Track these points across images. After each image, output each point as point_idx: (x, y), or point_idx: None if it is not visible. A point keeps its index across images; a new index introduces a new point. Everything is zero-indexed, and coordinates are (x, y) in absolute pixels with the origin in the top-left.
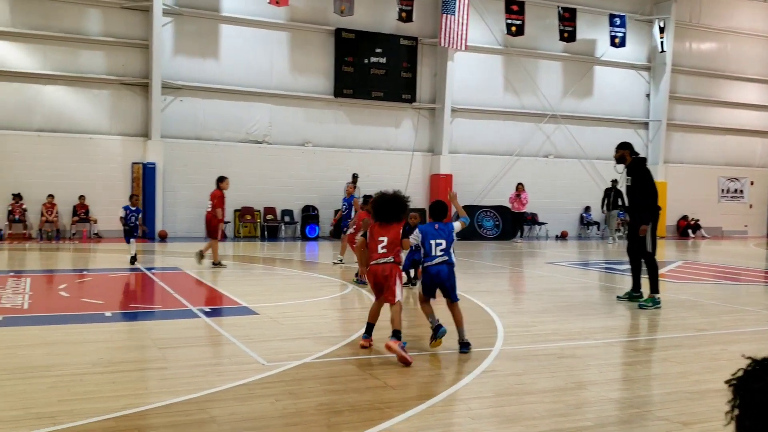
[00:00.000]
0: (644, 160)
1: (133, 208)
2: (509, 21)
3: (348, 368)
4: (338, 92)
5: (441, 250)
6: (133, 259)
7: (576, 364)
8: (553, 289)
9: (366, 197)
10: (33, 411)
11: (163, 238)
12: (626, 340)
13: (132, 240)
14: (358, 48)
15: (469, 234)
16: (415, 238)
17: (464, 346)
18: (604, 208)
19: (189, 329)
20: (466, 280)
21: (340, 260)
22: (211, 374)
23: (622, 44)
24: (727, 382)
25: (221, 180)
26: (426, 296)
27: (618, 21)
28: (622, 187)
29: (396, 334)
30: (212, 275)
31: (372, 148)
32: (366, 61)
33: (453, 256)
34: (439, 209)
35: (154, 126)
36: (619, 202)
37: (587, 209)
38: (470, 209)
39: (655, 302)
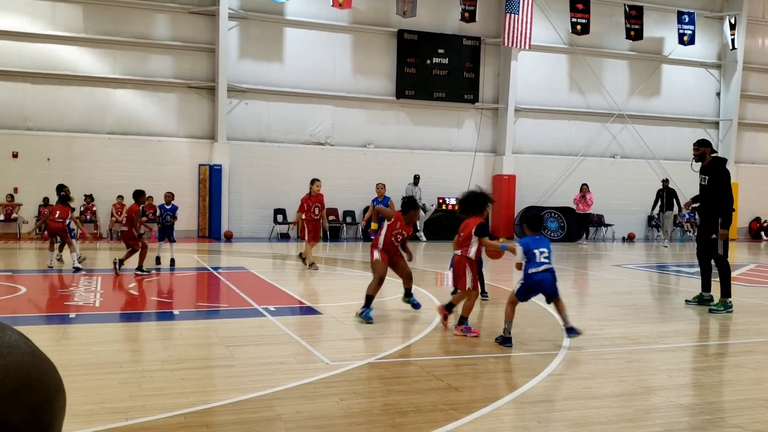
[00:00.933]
0: (724, 160)
1: (168, 207)
2: (574, 19)
3: (412, 369)
4: (400, 93)
5: (545, 258)
6: (158, 260)
7: (644, 368)
8: (620, 292)
9: (409, 199)
10: (106, 406)
11: (229, 238)
12: (696, 344)
13: (166, 240)
14: (420, 49)
15: None
16: (519, 256)
17: (571, 331)
18: (657, 210)
19: (255, 328)
20: None
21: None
22: (277, 372)
23: (691, 42)
24: None
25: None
26: (520, 299)
27: (686, 18)
28: (682, 186)
29: (462, 321)
30: (276, 275)
31: (434, 149)
32: (428, 61)
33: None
34: (536, 221)
35: (220, 128)
36: (674, 203)
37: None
38: (534, 210)
39: (726, 306)
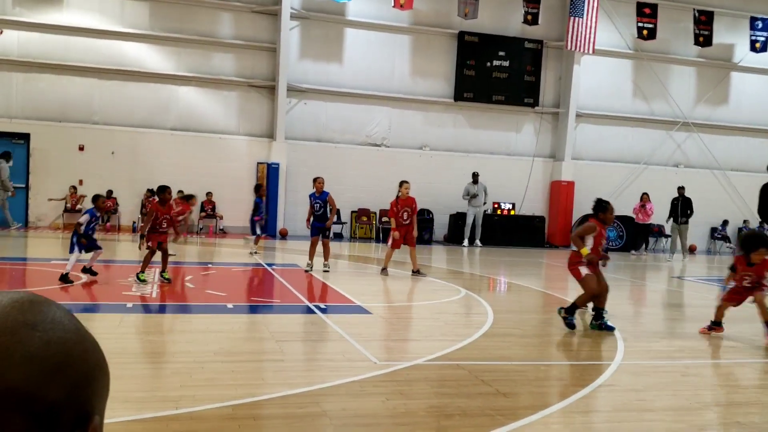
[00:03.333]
0: None
1: (261, 200)
2: (641, 24)
3: (459, 373)
4: (458, 96)
5: None
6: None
7: (701, 383)
8: (678, 304)
9: (597, 202)
10: (157, 394)
11: (284, 236)
12: (758, 361)
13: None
14: (480, 51)
15: None
16: None
17: None
18: (670, 221)
19: (305, 324)
20: None
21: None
22: (324, 369)
23: (764, 49)
24: None
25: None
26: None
27: (760, 24)
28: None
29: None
30: (327, 275)
31: (491, 152)
32: (488, 64)
33: None
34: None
35: (279, 127)
36: (688, 213)
37: (725, 223)
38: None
39: None
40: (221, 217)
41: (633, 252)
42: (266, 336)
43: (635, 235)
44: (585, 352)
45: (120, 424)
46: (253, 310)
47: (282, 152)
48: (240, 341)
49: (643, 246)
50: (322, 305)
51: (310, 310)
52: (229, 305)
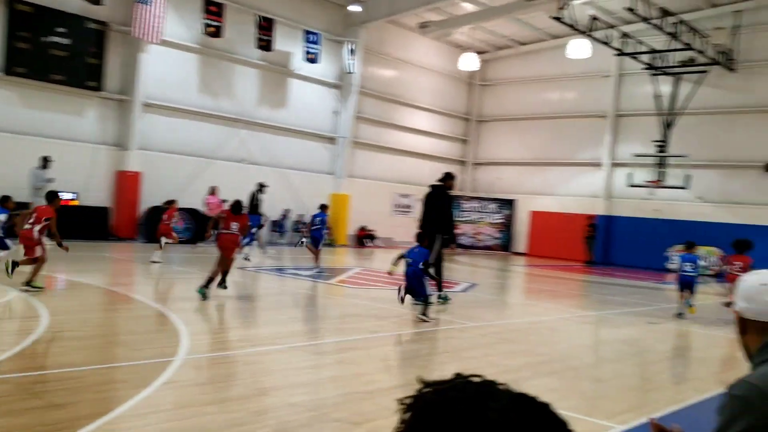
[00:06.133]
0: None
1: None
2: (208, 21)
3: (3, 388)
4: (9, 70)
5: None
6: None
7: (260, 370)
8: (247, 296)
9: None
10: None
11: None
12: (310, 344)
13: None
14: (36, 23)
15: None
16: None
17: None
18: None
19: None
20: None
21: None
22: None
23: (316, 61)
24: (399, 401)
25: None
26: None
27: (313, 38)
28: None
29: None
30: None
31: (50, 136)
32: (45, 39)
33: None
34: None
35: None
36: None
37: (284, 216)
38: (156, 211)
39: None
40: None
41: (200, 243)
42: None
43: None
44: (150, 349)
45: None
46: None
47: None
48: None
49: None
50: None
51: None
52: None
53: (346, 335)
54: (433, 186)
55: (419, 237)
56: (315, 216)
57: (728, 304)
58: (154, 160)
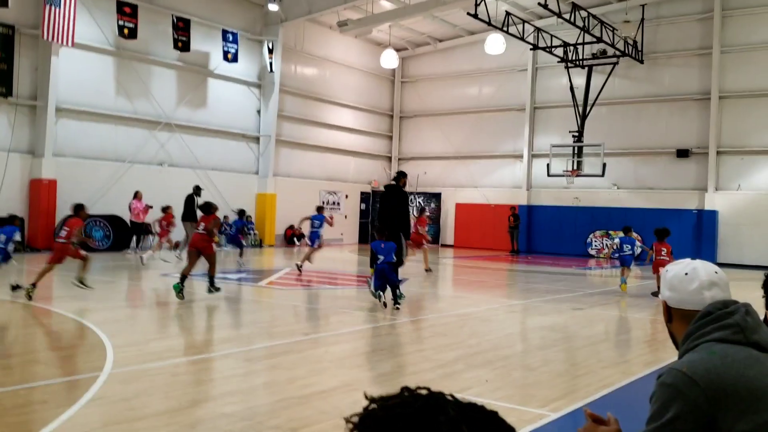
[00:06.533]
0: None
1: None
2: (121, 23)
3: None
4: None
5: None
6: None
7: (190, 381)
8: (165, 302)
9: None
10: None
11: None
12: (241, 350)
13: None
14: None
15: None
16: None
17: None
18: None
19: None
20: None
21: None
22: None
23: (235, 60)
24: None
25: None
26: None
27: (231, 37)
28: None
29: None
30: None
31: None
32: None
33: None
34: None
35: None
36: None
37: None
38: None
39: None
40: None
41: (128, 251)
42: None
43: (130, 233)
44: (72, 366)
45: None
46: None
47: None
48: None
49: (137, 244)
50: None
51: None
52: None
53: (277, 339)
54: (387, 186)
55: (379, 231)
56: (235, 222)
57: (656, 294)
58: (70, 166)
